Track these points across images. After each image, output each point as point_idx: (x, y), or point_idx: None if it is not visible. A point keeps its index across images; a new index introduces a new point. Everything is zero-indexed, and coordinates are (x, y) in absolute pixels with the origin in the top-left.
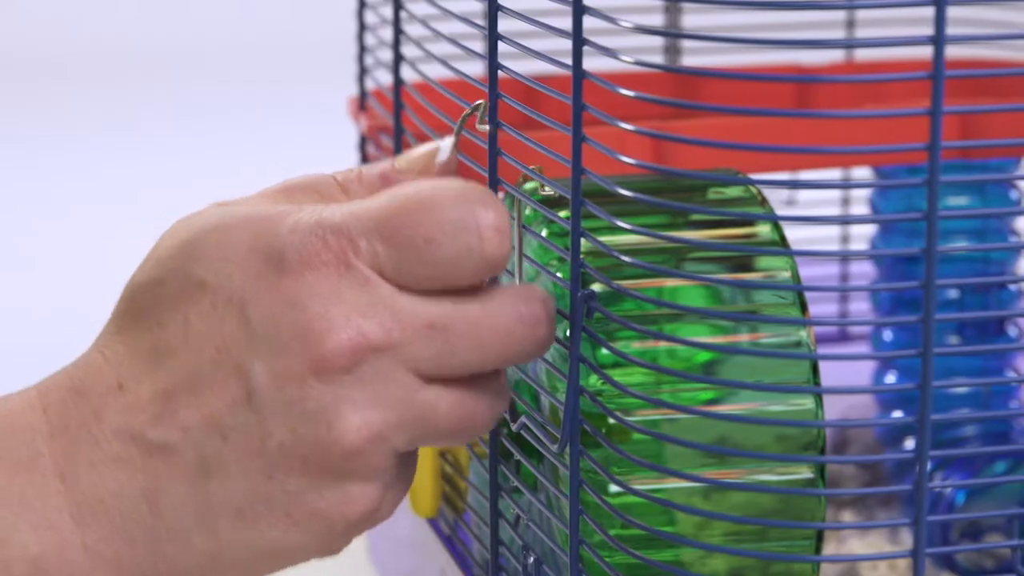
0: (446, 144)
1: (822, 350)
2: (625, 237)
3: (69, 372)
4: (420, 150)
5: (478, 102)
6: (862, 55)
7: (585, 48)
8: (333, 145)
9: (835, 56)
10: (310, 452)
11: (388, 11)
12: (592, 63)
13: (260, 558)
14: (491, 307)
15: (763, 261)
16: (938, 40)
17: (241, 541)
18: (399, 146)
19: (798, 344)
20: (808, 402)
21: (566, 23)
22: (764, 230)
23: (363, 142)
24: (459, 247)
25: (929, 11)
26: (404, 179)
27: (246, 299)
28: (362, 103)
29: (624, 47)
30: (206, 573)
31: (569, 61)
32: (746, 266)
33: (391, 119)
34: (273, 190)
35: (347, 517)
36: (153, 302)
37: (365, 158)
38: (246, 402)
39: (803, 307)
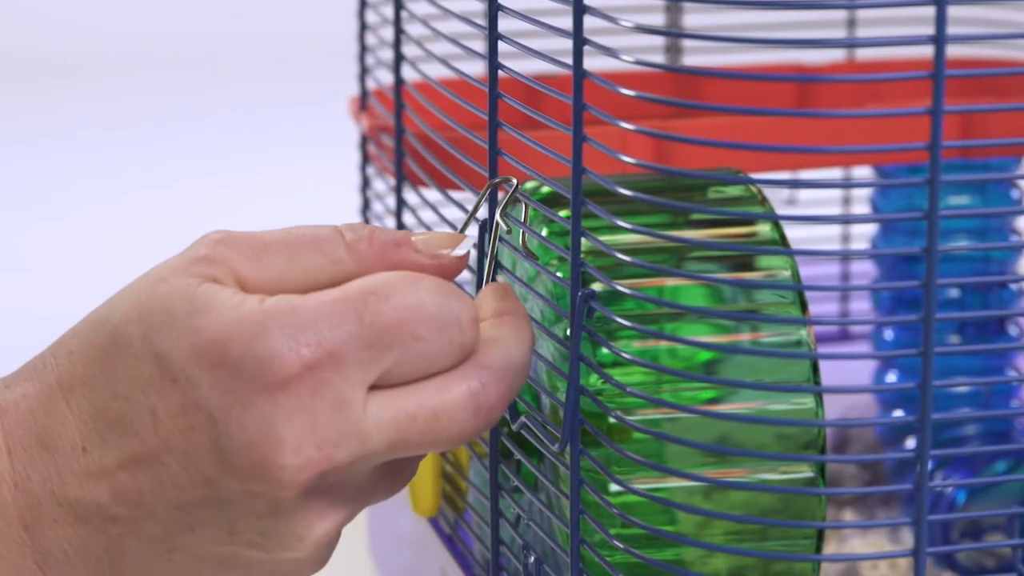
0: (468, 243)
1: (823, 349)
2: (626, 236)
3: (33, 411)
4: (441, 236)
5: (512, 184)
6: (863, 54)
7: (586, 48)
8: (334, 144)
9: (836, 56)
10: (276, 547)
11: (389, 10)
12: (593, 63)
13: None
14: (450, 398)
15: (763, 260)
16: (939, 39)
17: None
18: (400, 146)
19: (798, 343)
20: (808, 401)
21: (567, 23)
22: (764, 229)
23: (364, 141)
24: (443, 341)
25: (930, 11)
26: (416, 258)
27: (215, 416)
28: (363, 103)
29: (625, 47)
30: None
31: (570, 61)
32: (746, 265)
33: (392, 119)
34: (277, 243)
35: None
36: (119, 361)
37: (366, 157)
38: (215, 504)
39: (803, 306)
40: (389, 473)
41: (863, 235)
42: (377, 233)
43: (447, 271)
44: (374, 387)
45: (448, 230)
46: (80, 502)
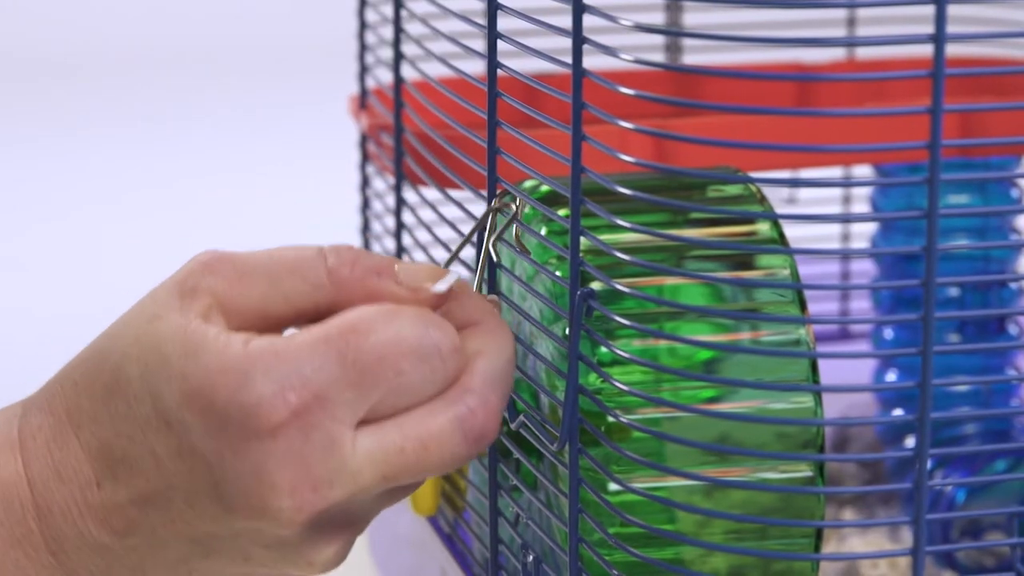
0: (450, 278)
1: (823, 348)
2: (625, 235)
3: (49, 444)
4: (424, 269)
5: (510, 208)
6: (864, 53)
7: (585, 47)
8: (334, 143)
9: (837, 55)
10: (290, 567)
11: (389, 9)
12: (593, 61)
13: None
14: (436, 427)
15: (763, 259)
16: (938, 38)
17: None
18: (399, 144)
19: (797, 343)
20: (808, 400)
21: (566, 22)
22: (763, 228)
23: (364, 140)
24: (425, 372)
25: (930, 9)
26: (396, 290)
27: (211, 461)
28: (363, 101)
29: (626, 45)
30: None
31: (569, 59)
32: (746, 264)
33: (391, 117)
34: (260, 267)
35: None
36: (120, 400)
37: (366, 156)
38: (227, 535)
39: (802, 305)
40: (389, 494)
41: (863, 234)
42: (361, 259)
43: (426, 305)
44: (363, 422)
45: (447, 228)
46: (99, 534)
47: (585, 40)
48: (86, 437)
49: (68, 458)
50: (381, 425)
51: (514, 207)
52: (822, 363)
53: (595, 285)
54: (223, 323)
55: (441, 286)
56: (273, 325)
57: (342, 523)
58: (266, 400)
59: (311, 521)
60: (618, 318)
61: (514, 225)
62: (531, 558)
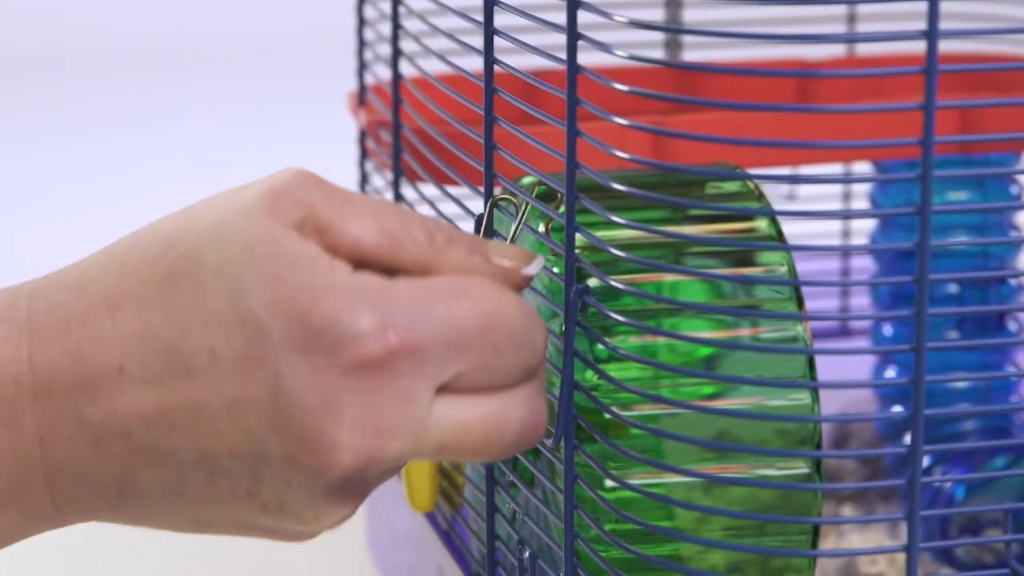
0: (539, 261)
1: (824, 345)
2: (625, 232)
3: (69, 321)
4: (518, 250)
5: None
6: (864, 50)
7: (581, 43)
8: (333, 139)
9: (837, 51)
10: (289, 518)
11: (387, 6)
12: (593, 59)
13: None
14: (506, 422)
15: (760, 256)
16: (931, 35)
17: (205, 528)
18: (397, 141)
19: (794, 339)
20: (804, 397)
21: (563, 18)
22: (762, 225)
23: (363, 136)
24: (519, 360)
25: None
26: (487, 267)
27: (281, 373)
28: (362, 98)
29: (627, 42)
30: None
31: (565, 56)
32: (745, 261)
33: (390, 114)
34: (364, 200)
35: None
36: (186, 286)
37: (365, 152)
38: (249, 459)
39: (799, 302)
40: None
41: (864, 231)
42: (456, 233)
43: (515, 286)
44: (443, 387)
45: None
46: (105, 423)
47: (580, 36)
48: (125, 318)
49: (90, 338)
50: (458, 396)
51: (517, 204)
52: (823, 360)
53: (592, 282)
54: (318, 243)
55: (532, 269)
56: (361, 265)
57: (365, 490)
58: (365, 333)
59: (354, 469)
60: (613, 314)
61: (521, 221)
62: (527, 554)
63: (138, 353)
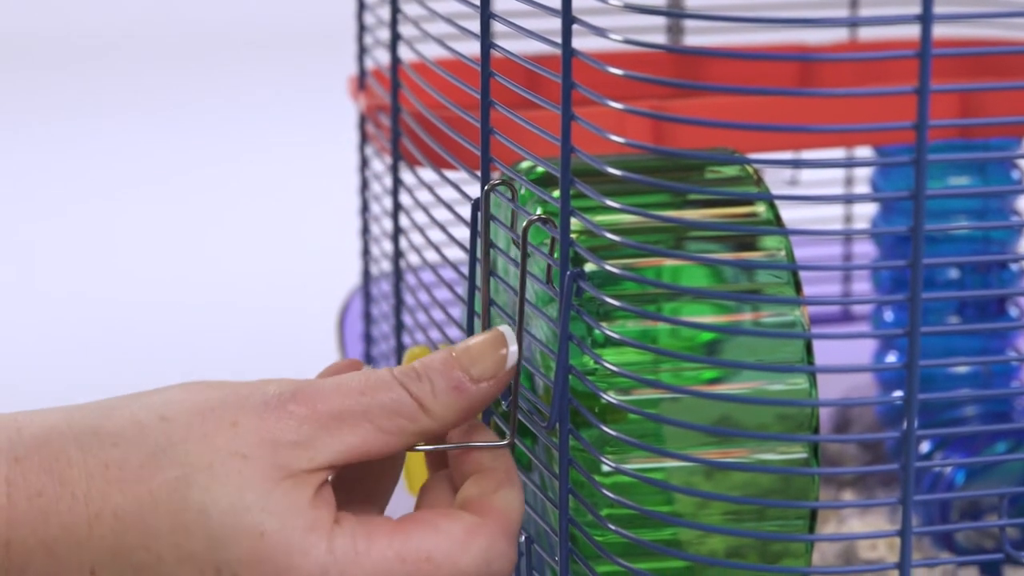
0: (511, 338)
1: (824, 330)
2: (624, 216)
3: (45, 502)
4: (485, 347)
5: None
6: (866, 34)
7: (583, 28)
8: (333, 124)
9: (839, 36)
10: None
11: None
12: (592, 43)
13: None
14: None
15: (758, 241)
16: (925, 19)
17: None
18: (396, 125)
19: (792, 324)
20: (802, 382)
21: (558, 2)
22: (760, 210)
23: (363, 121)
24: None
25: None
26: (481, 392)
27: None
28: (361, 82)
29: (629, 27)
30: None
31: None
32: (745, 246)
33: (389, 98)
34: (355, 411)
35: None
36: (166, 519)
37: (365, 136)
38: None
39: (797, 287)
40: None
41: (866, 216)
42: (430, 375)
43: (507, 380)
44: None
45: (443, 210)
46: None
47: (574, 20)
48: (102, 532)
49: (67, 540)
50: None
51: (509, 188)
52: (825, 346)
53: (588, 266)
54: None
55: (511, 359)
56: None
57: None
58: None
59: None
60: (608, 299)
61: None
62: (523, 539)
63: (111, 563)
